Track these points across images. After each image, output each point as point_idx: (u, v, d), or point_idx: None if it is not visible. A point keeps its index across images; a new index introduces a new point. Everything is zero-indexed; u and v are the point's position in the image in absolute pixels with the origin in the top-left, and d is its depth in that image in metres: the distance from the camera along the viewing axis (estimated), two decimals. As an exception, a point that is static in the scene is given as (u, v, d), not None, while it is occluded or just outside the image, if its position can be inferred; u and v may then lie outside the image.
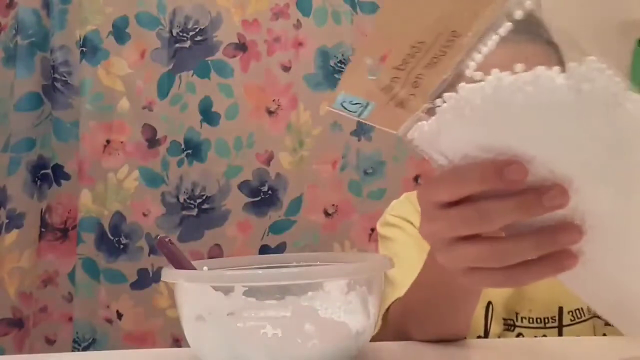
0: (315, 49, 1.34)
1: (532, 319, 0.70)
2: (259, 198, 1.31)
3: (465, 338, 0.58)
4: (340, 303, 0.44)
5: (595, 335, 0.69)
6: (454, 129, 0.31)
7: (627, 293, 0.32)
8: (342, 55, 1.35)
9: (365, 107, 0.34)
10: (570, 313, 0.70)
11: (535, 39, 0.31)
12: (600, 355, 0.52)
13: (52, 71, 1.32)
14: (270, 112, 1.34)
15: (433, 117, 0.32)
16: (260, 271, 0.50)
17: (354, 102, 0.34)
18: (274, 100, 1.34)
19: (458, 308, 0.55)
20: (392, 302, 0.64)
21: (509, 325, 0.71)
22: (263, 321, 0.43)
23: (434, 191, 0.34)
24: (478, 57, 0.31)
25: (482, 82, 0.29)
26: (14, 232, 1.25)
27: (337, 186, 1.32)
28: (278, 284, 0.43)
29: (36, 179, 1.30)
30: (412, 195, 0.87)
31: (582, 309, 0.70)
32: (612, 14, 1.33)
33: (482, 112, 0.29)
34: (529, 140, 0.29)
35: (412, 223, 0.78)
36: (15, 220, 1.26)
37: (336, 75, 1.34)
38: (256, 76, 1.34)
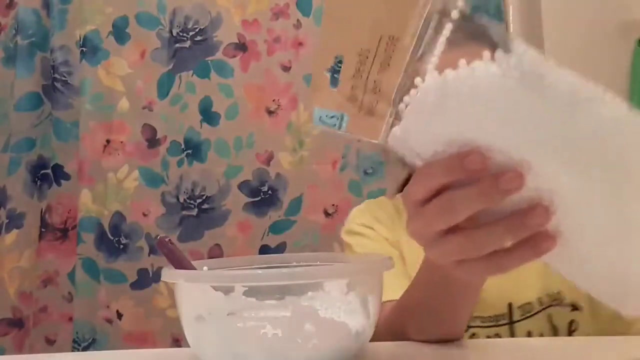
0: (315, 49, 1.34)
1: (484, 317, 0.70)
2: (259, 198, 1.31)
3: (461, 338, 0.58)
4: (340, 303, 0.44)
5: (553, 325, 0.69)
6: (418, 128, 0.32)
7: (610, 266, 0.33)
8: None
9: (341, 119, 0.36)
10: (520, 308, 0.70)
11: (479, 39, 0.32)
12: (600, 355, 0.52)
13: (52, 71, 1.32)
14: (270, 112, 1.34)
15: (402, 121, 0.33)
16: (260, 271, 0.50)
17: (330, 116, 0.36)
18: (274, 100, 1.34)
19: (456, 306, 0.55)
20: None
21: None
22: (263, 321, 0.43)
23: (411, 190, 0.35)
24: (433, 59, 0.32)
25: (432, 81, 0.30)
26: (14, 232, 1.25)
27: (337, 186, 1.32)
28: (278, 284, 0.43)
29: (36, 179, 1.31)
30: (372, 202, 0.89)
31: (531, 302, 0.70)
32: (612, 14, 1.33)
33: (436, 109, 0.30)
34: (480, 130, 0.30)
35: (373, 229, 0.80)
36: (15, 220, 1.26)
37: (336, 76, 1.34)
38: (256, 76, 1.34)
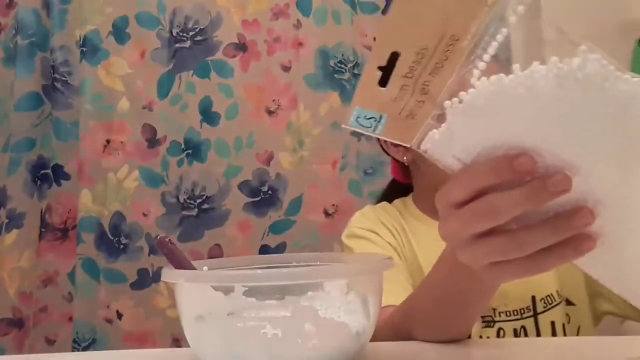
0: (315, 49, 1.34)
1: (509, 312, 0.73)
2: (259, 198, 1.31)
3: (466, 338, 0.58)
4: (340, 303, 0.44)
5: (567, 317, 0.73)
6: (465, 131, 0.32)
7: None
8: (342, 55, 1.35)
9: (379, 120, 0.35)
10: (543, 300, 0.73)
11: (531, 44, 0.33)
12: (605, 355, 0.52)
13: (52, 71, 1.32)
14: (270, 112, 1.34)
15: (444, 124, 0.33)
16: (260, 271, 0.50)
17: (368, 117, 0.35)
18: (274, 100, 1.34)
19: (468, 308, 0.55)
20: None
21: (488, 322, 0.72)
22: (263, 321, 0.43)
23: (448, 192, 0.35)
24: (481, 64, 0.31)
25: (485, 83, 0.30)
26: (14, 232, 1.25)
27: (337, 186, 1.32)
28: (278, 284, 0.43)
29: (36, 179, 1.31)
30: (376, 207, 0.89)
31: (552, 294, 0.73)
32: (612, 14, 1.33)
33: (487, 112, 0.30)
34: (531, 133, 0.30)
35: (377, 233, 0.80)
36: (15, 220, 1.26)
37: (336, 75, 1.35)
38: (256, 76, 1.34)
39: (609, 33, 1.32)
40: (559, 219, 0.32)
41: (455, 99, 0.31)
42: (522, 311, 0.72)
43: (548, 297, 0.73)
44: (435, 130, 0.33)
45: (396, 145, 0.84)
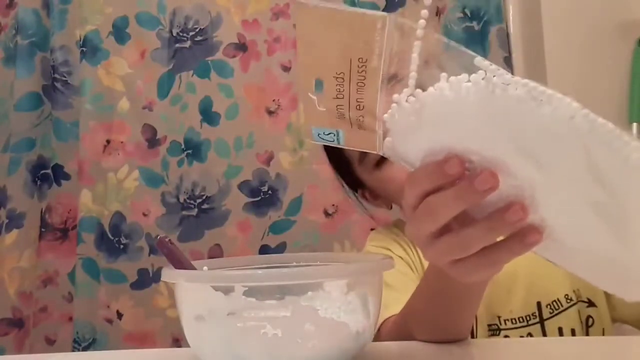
0: (315, 49, 1.34)
1: (515, 319, 0.72)
2: (259, 198, 1.31)
3: (466, 339, 0.58)
4: (340, 303, 0.44)
5: (580, 320, 0.71)
6: (402, 141, 0.35)
7: (597, 252, 0.33)
8: (342, 55, 1.35)
9: (337, 135, 0.38)
10: (549, 306, 0.72)
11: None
12: (606, 355, 0.52)
13: (52, 71, 1.32)
14: (270, 112, 1.34)
15: (389, 134, 0.35)
16: (260, 271, 0.50)
17: (327, 133, 0.38)
18: (274, 100, 1.34)
19: (459, 309, 0.55)
20: (384, 321, 0.65)
21: (494, 330, 0.72)
22: (263, 321, 0.42)
23: (405, 196, 0.37)
24: (411, 75, 0.33)
25: (409, 104, 0.33)
26: (14, 232, 1.25)
27: (337, 186, 1.31)
28: (278, 284, 0.43)
29: (36, 179, 1.31)
30: (389, 226, 0.90)
31: (558, 299, 0.72)
32: (612, 14, 1.33)
33: (413, 126, 0.33)
34: (454, 139, 0.32)
35: (389, 249, 0.82)
36: (15, 220, 1.26)
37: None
38: (256, 76, 1.34)
39: (609, 33, 1.32)
40: (493, 216, 0.33)
41: (388, 114, 0.34)
42: (528, 318, 0.72)
43: (554, 303, 0.72)
44: (388, 139, 0.36)
45: (376, 199, 0.86)
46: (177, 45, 1.34)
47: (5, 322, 1.24)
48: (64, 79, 1.33)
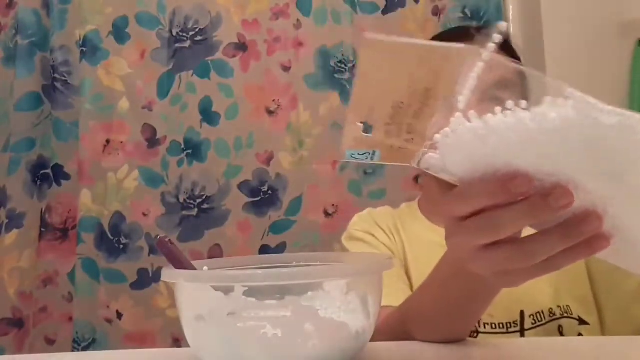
0: (315, 49, 1.34)
1: (495, 324, 0.70)
2: (259, 198, 1.31)
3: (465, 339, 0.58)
4: (340, 303, 0.44)
5: (562, 336, 0.69)
6: (456, 158, 0.35)
7: None
8: (342, 55, 1.35)
9: (373, 154, 0.38)
10: (532, 317, 0.70)
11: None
12: (606, 355, 0.52)
13: (52, 71, 1.32)
14: (270, 112, 1.34)
15: (437, 152, 0.35)
16: (260, 271, 0.50)
17: (361, 153, 0.38)
18: (274, 100, 1.34)
19: (470, 309, 0.54)
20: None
21: (472, 332, 0.69)
22: (263, 321, 0.42)
23: (451, 208, 0.36)
24: (465, 95, 0.34)
25: (472, 124, 0.32)
26: (14, 232, 1.25)
27: (337, 186, 1.32)
28: (278, 284, 0.43)
29: (36, 179, 1.31)
30: (374, 210, 0.90)
31: (542, 312, 0.70)
32: (612, 14, 1.33)
33: (476, 146, 0.32)
34: (520, 160, 0.32)
35: (373, 234, 0.81)
36: (15, 220, 1.26)
37: (336, 75, 1.35)
38: (256, 76, 1.34)
39: (609, 33, 1.32)
40: (568, 227, 0.33)
41: (443, 132, 0.34)
42: (509, 325, 0.69)
43: (538, 314, 0.70)
44: (431, 154, 0.36)
45: None
46: (177, 45, 1.34)
47: (5, 322, 1.24)
48: (64, 79, 1.33)
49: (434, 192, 0.83)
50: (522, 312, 0.70)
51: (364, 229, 0.83)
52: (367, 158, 0.39)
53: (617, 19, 1.32)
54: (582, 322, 0.71)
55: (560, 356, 0.53)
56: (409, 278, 0.77)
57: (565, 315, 0.70)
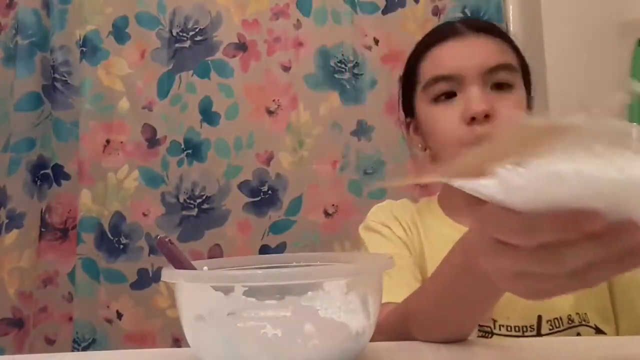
0: (315, 49, 1.34)
1: (510, 327, 0.68)
2: (259, 198, 1.31)
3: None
4: (340, 303, 0.44)
5: None
6: (517, 198, 0.32)
7: None
8: (342, 55, 1.35)
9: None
10: (549, 322, 0.68)
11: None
12: (607, 354, 0.52)
13: (52, 71, 1.32)
14: (270, 112, 1.34)
15: (493, 180, 0.32)
16: (260, 271, 0.50)
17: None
18: (274, 100, 1.34)
19: (475, 310, 0.53)
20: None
21: (486, 333, 0.69)
22: (263, 321, 0.42)
23: (502, 232, 0.33)
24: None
25: (536, 173, 0.31)
26: (14, 232, 1.25)
27: (337, 186, 1.32)
28: (278, 284, 0.43)
29: (36, 179, 1.31)
30: (393, 202, 0.88)
31: (560, 318, 0.69)
32: (612, 14, 1.33)
33: (541, 192, 0.31)
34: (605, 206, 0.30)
35: (389, 227, 0.80)
36: (15, 220, 1.26)
37: (336, 75, 1.35)
38: (256, 76, 1.34)
39: (609, 33, 1.32)
40: (607, 236, 0.31)
41: (511, 169, 0.32)
42: (525, 329, 0.68)
43: (556, 320, 0.68)
44: (482, 182, 0.33)
45: (417, 135, 0.83)
46: (177, 45, 1.34)
47: (5, 322, 1.24)
48: (64, 79, 1.33)
49: (457, 197, 0.81)
50: (539, 317, 0.69)
51: (381, 221, 0.82)
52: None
53: (617, 19, 1.32)
54: (598, 331, 0.70)
55: (562, 357, 0.53)
56: (425, 273, 0.76)
57: (583, 323, 0.69)
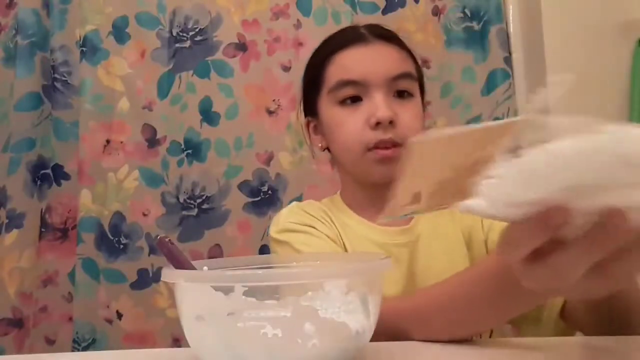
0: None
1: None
2: (259, 198, 1.31)
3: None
4: (340, 303, 0.44)
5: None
6: (499, 202, 0.33)
7: None
8: (342, 55, 1.34)
9: (414, 212, 0.41)
10: None
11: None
12: (608, 354, 0.52)
13: (52, 71, 1.32)
14: (270, 112, 1.34)
15: (478, 197, 0.34)
16: (260, 271, 0.50)
17: (403, 215, 0.41)
18: (274, 100, 1.34)
19: (508, 314, 0.54)
20: None
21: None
22: (263, 321, 0.42)
23: (510, 255, 0.35)
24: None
25: (508, 169, 0.33)
26: (14, 232, 1.25)
27: (337, 186, 1.31)
28: (278, 284, 0.43)
29: (36, 179, 1.31)
30: (301, 204, 0.89)
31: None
32: (612, 14, 1.33)
33: (517, 187, 0.32)
34: (558, 194, 0.31)
35: (313, 226, 0.79)
36: (15, 220, 1.26)
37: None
38: (256, 76, 1.34)
39: (609, 33, 1.32)
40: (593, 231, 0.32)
41: (487, 180, 0.33)
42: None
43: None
44: (469, 202, 0.35)
45: (317, 134, 0.85)
46: (177, 45, 1.34)
47: (5, 322, 1.24)
48: (64, 79, 1.33)
49: None
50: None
51: (302, 222, 0.80)
52: (405, 217, 0.42)
53: (617, 19, 1.32)
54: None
55: (559, 356, 0.53)
56: None
57: None
